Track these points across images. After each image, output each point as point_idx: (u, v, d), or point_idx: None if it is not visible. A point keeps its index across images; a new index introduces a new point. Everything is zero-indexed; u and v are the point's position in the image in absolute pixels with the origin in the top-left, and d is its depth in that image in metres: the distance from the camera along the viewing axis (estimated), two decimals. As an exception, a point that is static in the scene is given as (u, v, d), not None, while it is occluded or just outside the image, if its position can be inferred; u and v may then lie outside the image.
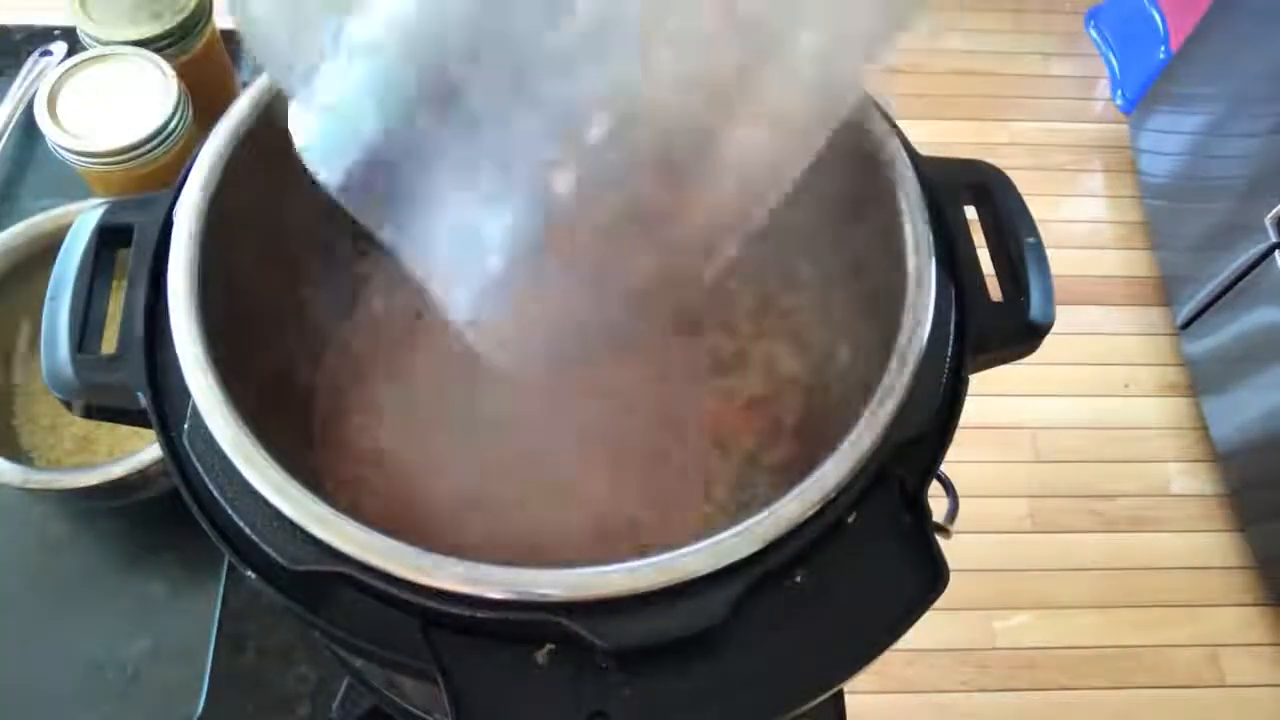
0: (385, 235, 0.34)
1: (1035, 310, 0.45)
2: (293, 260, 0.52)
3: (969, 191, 0.48)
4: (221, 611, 0.62)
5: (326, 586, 0.37)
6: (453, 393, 0.58)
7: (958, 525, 0.45)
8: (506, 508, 0.55)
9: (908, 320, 0.41)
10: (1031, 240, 0.47)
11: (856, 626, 0.37)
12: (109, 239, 0.45)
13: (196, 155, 0.44)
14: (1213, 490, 1.49)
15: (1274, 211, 1.35)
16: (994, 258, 0.48)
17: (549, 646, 0.36)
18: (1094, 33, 1.99)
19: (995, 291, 0.46)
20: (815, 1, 0.28)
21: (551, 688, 0.35)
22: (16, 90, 0.77)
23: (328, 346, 0.59)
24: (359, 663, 0.54)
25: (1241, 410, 1.42)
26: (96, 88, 0.66)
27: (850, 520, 0.38)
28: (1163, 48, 1.80)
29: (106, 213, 0.45)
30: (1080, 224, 1.76)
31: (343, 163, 0.32)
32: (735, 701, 0.35)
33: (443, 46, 0.31)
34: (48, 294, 0.43)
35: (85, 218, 0.45)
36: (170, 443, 0.39)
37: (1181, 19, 1.78)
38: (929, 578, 0.37)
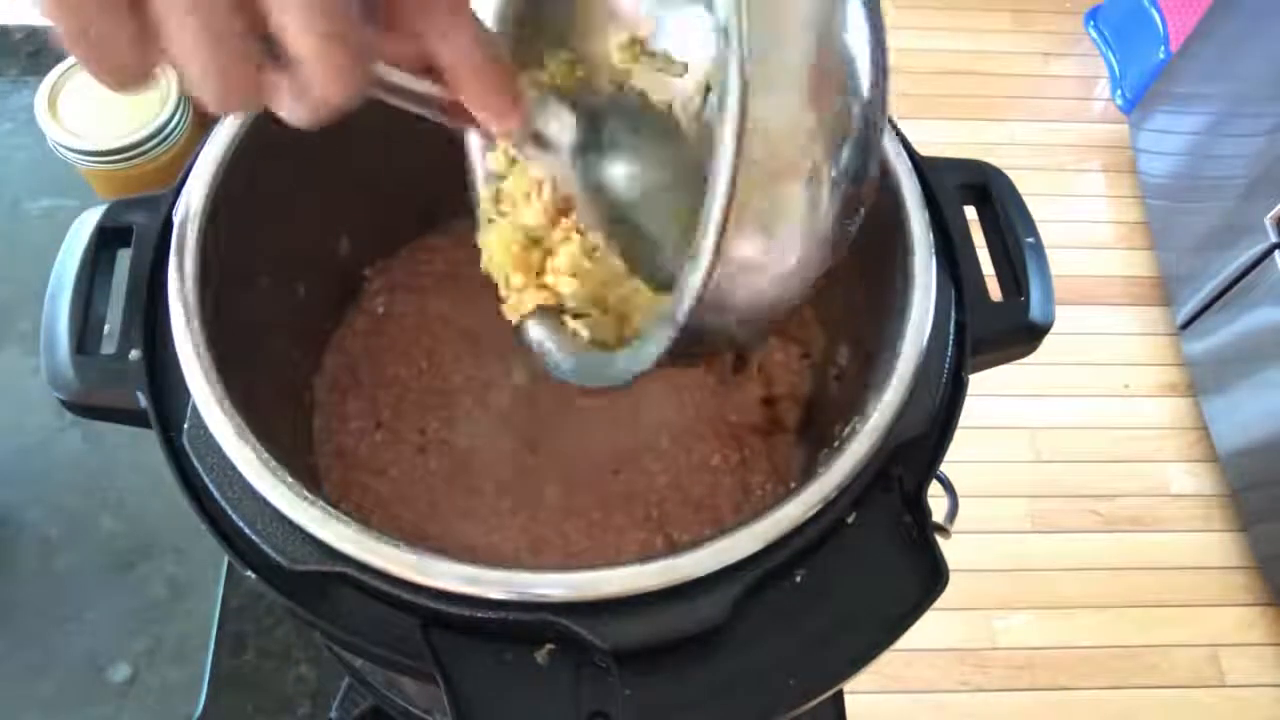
0: None
1: (1035, 310, 0.45)
2: (292, 261, 0.52)
3: (969, 191, 0.49)
4: (221, 611, 0.62)
5: (326, 586, 0.37)
6: (453, 396, 0.58)
7: (958, 525, 0.45)
8: (506, 513, 0.54)
9: (908, 320, 0.41)
10: (1031, 240, 0.47)
11: (856, 627, 0.37)
12: (109, 239, 0.45)
13: (196, 155, 0.44)
14: (1213, 490, 1.49)
15: (1274, 211, 1.35)
16: (994, 258, 0.48)
17: (549, 646, 0.36)
18: (1094, 33, 1.99)
19: (995, 291, 0.46)
20: None
21: (551, 688, 0.35)
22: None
23: (327, 349, 0.59)
24: (359, 663, 0.54)
25: (1241, 410, 1.42)
26: (96, 88, 0.66)
27: (850, 520, 0.38)
28: (1163, 48, 1.80)
29: (106, 213, 0.45)
30: (1080, 224, 1.76)
31: None
32: (735, 701, 0.35)
33: None
34: (48, 294, 0.43)
35: (85, 217, 0.45)
36: (170, 443, 0.39)
37: (1181, 19, 1.78)
38: (929, 578, 0.37)
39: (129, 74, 0.25)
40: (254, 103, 0.26)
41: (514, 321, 0.41)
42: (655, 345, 0.31)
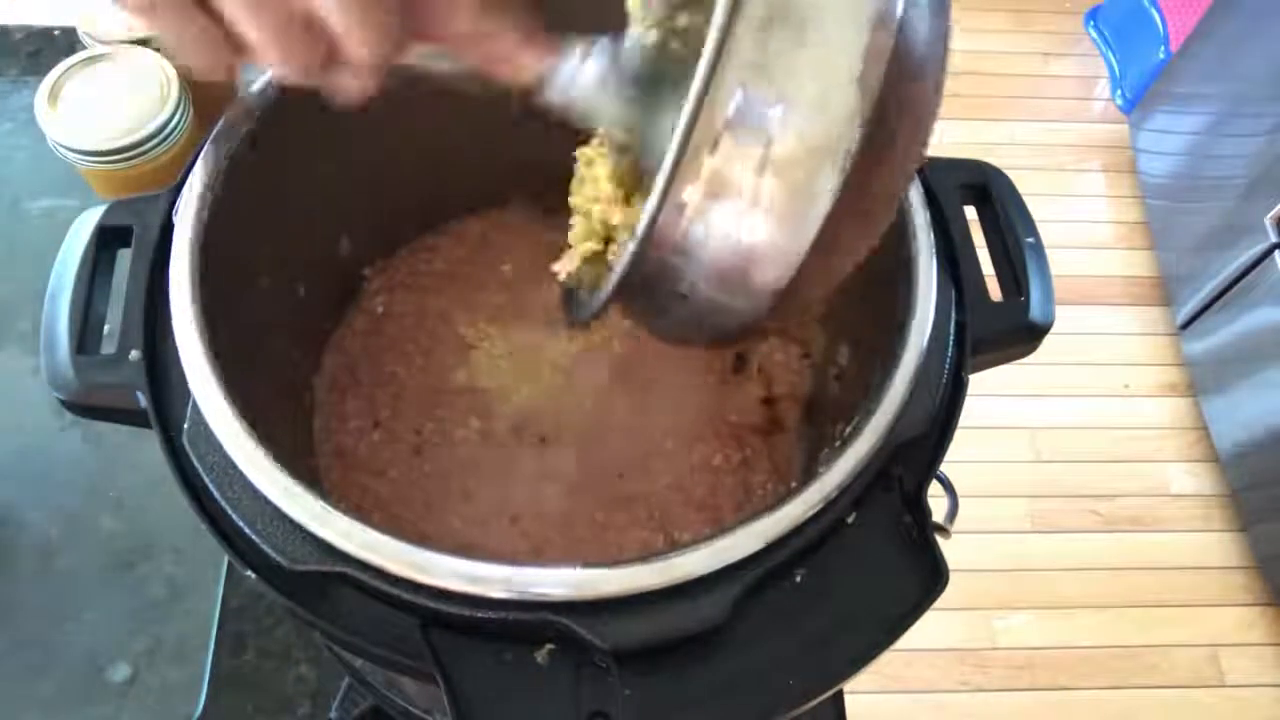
0: None
1: (1035, 310, 0.45)
2: (292, 261, 0.52)
3: (969, 191, 0.49)
4: (221, 611, 0.62)
5: (326, 586, 0.37)
6: (451, 395, 0.58)
7: (958, 525, 0.45)
8: (506, 515, 0.54)
9: (908, 320, 0.41)
10: (1031, 240, 0.47)
11: (856, 627, 0.37)
12: (109, 239, 0.45)
13: (197, 155, 0.44)
14: (1213, 490, 1.49)
15: (1274, 211, 1.35)
16: (994, 258, 0.48)
17: (549, 646, 0.36)
18: (1094, 32, 1.99)
19: (995, 291, 0.46)
20: None
21: (551, 688, 0.35)
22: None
23: (326, 349, 0.59)
24: (359, 663, 0.54)
25: (1241, 410, 1.42)
26: (96, 87, 0.66)
27: (850, 520, 0.38)
28: (1162, 48, 1.80)
29: (106, 213, 0.45)
30: (1080, 224, 1.76)
31: None
32: (735, 701, 0.35)
33: None
34: (48, 294, 0.43)
35: (85, 217, 0.45)
36: (170, 442, 0.39)
37: (1181, 19, 1.78)
38: (929, 578, 0.37)
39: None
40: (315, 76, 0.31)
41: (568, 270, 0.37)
42: (615, 273, 0.30)
